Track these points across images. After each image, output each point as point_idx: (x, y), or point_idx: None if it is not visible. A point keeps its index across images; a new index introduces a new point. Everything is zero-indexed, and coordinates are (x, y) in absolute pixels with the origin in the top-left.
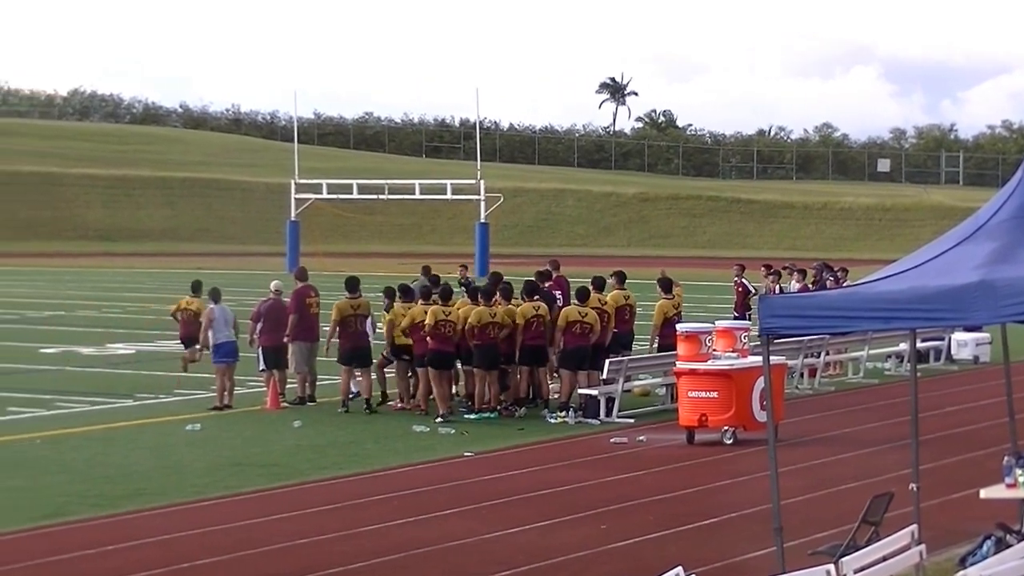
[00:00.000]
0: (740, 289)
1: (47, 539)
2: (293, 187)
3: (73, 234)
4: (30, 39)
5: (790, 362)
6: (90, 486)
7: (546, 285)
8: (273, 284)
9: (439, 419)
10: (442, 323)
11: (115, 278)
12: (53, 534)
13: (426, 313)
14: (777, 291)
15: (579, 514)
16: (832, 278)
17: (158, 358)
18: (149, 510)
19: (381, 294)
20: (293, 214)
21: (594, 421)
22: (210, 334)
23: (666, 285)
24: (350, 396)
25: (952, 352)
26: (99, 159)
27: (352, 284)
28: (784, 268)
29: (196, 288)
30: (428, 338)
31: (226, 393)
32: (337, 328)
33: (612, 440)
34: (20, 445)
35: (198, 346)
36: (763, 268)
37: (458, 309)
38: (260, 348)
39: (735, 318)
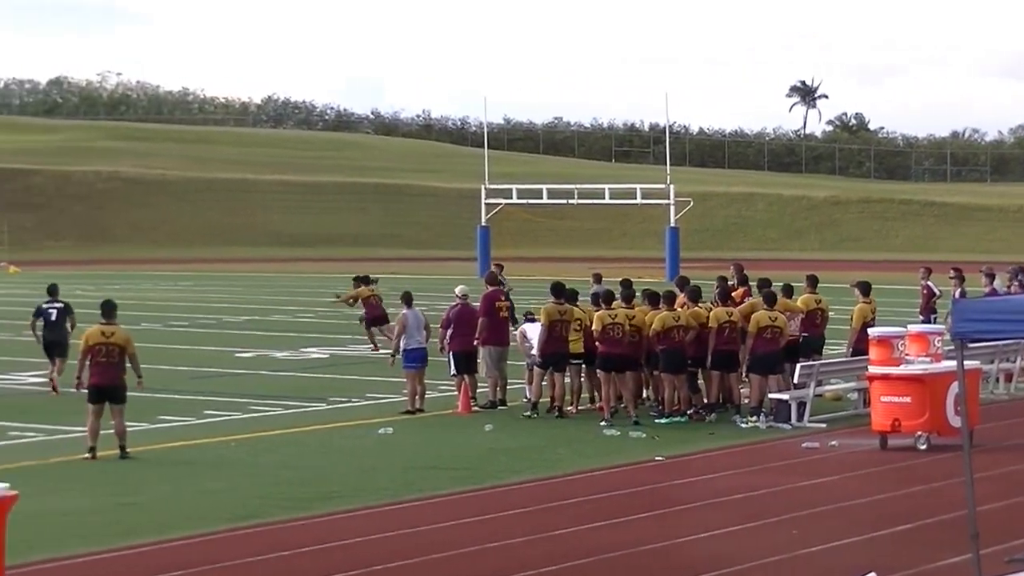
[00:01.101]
0: (925, 292)
1: (242, 541)
2: (483, 192)
3: (267, 240)
4: (225, 48)
5: (985, 367)
6: (283, 489)
7: (739, 291)
8: (459, 289)
9: (604, 422)
10: (609, 327)
11: (308, 283)
12: (248, 536)
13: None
14: (958, 295)
15: (770, 519)
16: (1019, 282)
17: (351, 362)
18: (341, 513)
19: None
20: (483, 219)
21: (785, 426)
22: (402, 339)
23: (865, 288)
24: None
25: None
26: (292, 165)
27: (558, 290)
28: (981, 271)
29: (364, 280)
30: (597, 342)
31: (417, 397)
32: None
33: (803, 445)
34: (216, 448)
35: (392, 353)
36: (952, 271)
37: (642, 314)
38: (451, 353)
39: (921, 321)
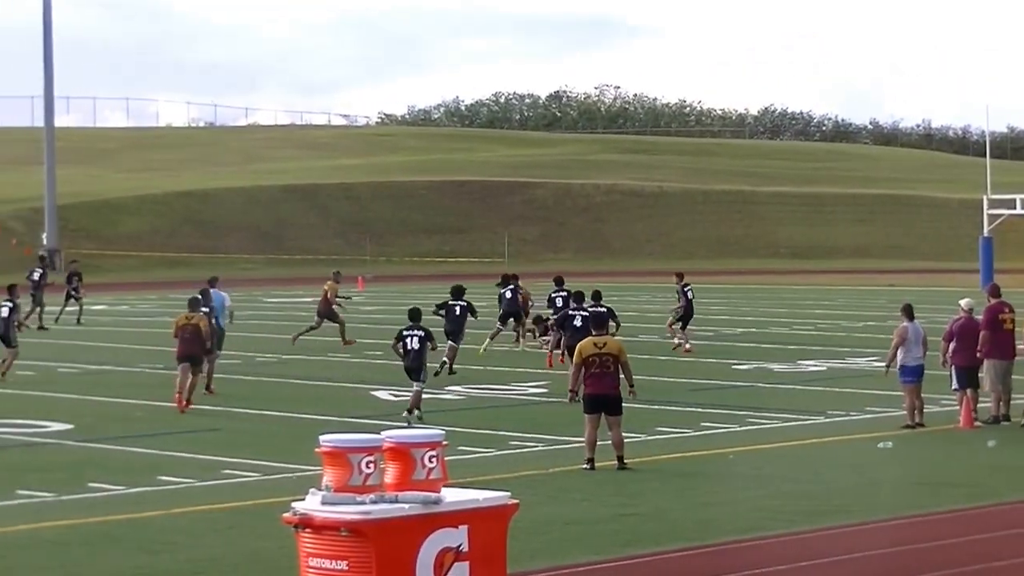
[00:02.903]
0: None
1: (744, 553)
2: (985, 203)
3: (765, 252)
4: (722, 59)
5: None
6: (784, 502)
7: None
8: (964, 302)
9: None
10: None
11: (807, 295)
12: (750, 548)
13: None
14: None
15: None
16: None
17: (849, 375)
18: (843, 527)
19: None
20: (985, 230)
21: None
22: (899, 352)
23: None
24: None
25: None
26: (790, 177)
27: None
28: None
29: None
30: None
31: (916, 411)
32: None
33: None
34: (714, 460)
35: (886, 364)
36: None
37: None
38: (953, 367)
39: None
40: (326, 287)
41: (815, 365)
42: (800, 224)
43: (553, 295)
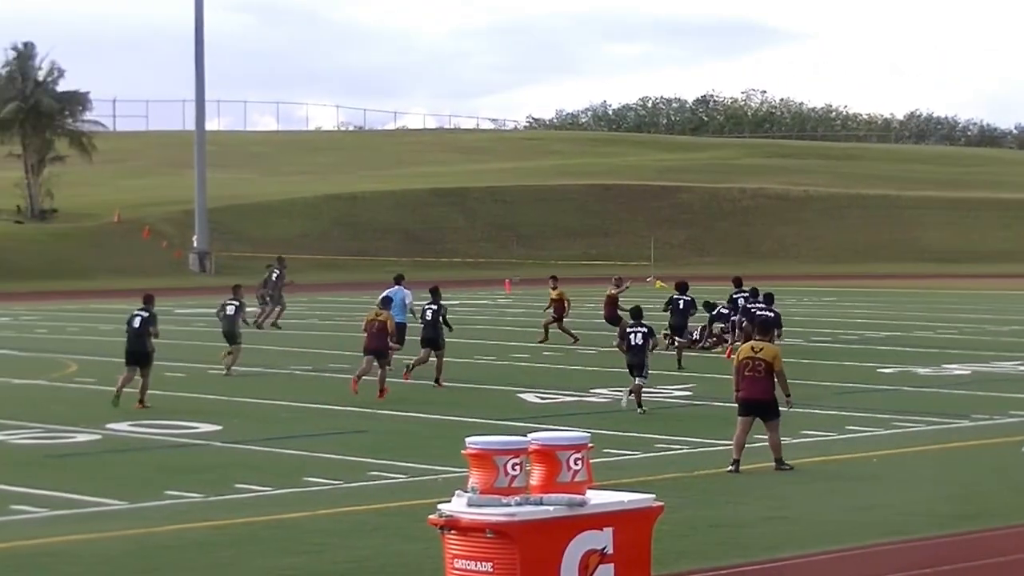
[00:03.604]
0: None
1: (890, 556)
2: None
3: (912, 256)
4: (868, 64)
5: None
6: (929, 505)
7: None
8: None
9: None
10: None
11: (952, 300)
12: (895, 551)
13: None
14: None
15: None
16: None
17: (994, 379)
18: (988, 531)
19: None
20: None
21: None
22: None
23: None
24: None
25: None
26: (936, 181)
27: None
28: None
29: None
30: None
31: None
32: None
33: None
34: (859, 463)
35: None
36: None
37: None
38: None
39: None
40: (614, 293)
41: (960, 369)
42: (945, 228)
43: (734, 295)
